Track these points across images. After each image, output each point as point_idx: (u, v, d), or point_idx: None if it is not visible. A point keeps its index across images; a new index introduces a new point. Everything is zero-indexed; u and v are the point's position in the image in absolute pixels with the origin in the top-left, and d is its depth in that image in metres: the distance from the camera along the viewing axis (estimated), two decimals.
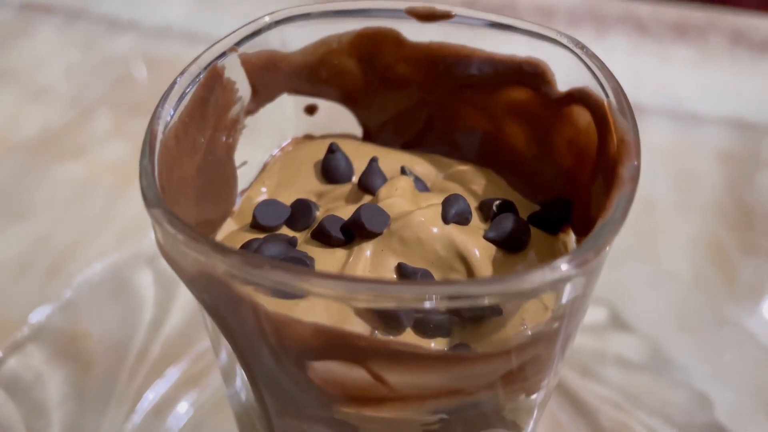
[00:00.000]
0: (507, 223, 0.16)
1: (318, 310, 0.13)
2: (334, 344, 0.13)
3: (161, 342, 0.36)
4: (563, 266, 0.12)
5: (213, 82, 0.17)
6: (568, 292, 0.13)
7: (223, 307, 0.13)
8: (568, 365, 0.36)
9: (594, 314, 0.38)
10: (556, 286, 0.12)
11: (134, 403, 0.34)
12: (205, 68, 0.16)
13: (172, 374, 0.35)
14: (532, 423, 0.16)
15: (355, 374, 0.13)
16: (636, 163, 0.14)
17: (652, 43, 0.60)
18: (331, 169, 0.19)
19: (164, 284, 0.39)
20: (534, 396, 0.15)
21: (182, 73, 0.16)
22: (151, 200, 0.13)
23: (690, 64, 0.58)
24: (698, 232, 0.44)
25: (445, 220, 0.16)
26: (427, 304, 0.11)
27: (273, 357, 0.14)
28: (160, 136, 0.14)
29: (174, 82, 0.16)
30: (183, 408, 0.34)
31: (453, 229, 0.16)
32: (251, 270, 0.12)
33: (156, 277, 0.39)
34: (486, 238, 0.16)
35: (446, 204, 0.17)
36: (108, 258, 0.38)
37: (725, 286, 0.40)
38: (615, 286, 0.38)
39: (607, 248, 0.13)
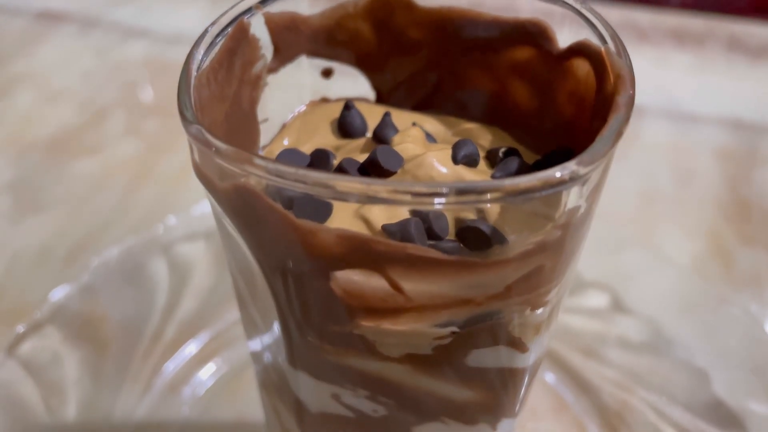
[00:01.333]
0: (512, 164, 0.18)
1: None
2: (356, 250, 0.14)
3: (175, 324, 0.37)
4: (570, 165, 0.13)
5: (240, 35, 0.18)
6: (572, 198, 0.14)
7: (253, 221, 0.15)
8: (571, 346, 0.37)
9: (595, 299, 0.39)
10: (563, 185, 0.13)
11: (149, 381, 0.35)
12: (233, 21, 0.18)
13: (187, 353, 0.36)
14: (536, 344, 0.17)
15: (374, 283, 0.15)
16: (630, 92, 0.15)
17: (650, 49, 0.62)
18: (347, 125, 0.20)
19: (178, 271, 0.40)
20: (539, 311, 0.16)
21: (213, 23, 0.17)
22: (189, 118, 0.14)
23: (688, 68, 0.60)
24: (697, 224, 0.45)
25: (455, 161, 0.18)
26: (438, 201, 0.13)
27: (298, 270, 0.15)
28: (194, 74, 0.16)
29: (205, 31, 0.17)
30: (200, 380, 0.35)
31: (462, 169, 0.17)
32: (283, 174, 0.13)
33: (170, 264, 0.40)
34: (493, 177, 0.18)
35: (456, 147, 0.18)
36: (124, 243, 0.39)
37: (724, 274, 0.41)
38: (616, 272, 0.40)
39: (606, 161, 0.14)
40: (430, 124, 0.21)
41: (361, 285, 0.15)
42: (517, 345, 0.16)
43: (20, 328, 0.34)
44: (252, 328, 0.20)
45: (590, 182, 0.14)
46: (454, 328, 0.15)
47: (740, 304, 0.37)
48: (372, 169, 0.17)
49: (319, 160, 0.19)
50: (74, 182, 0.47)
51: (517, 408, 0.19)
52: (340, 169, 0.18)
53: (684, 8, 0.68)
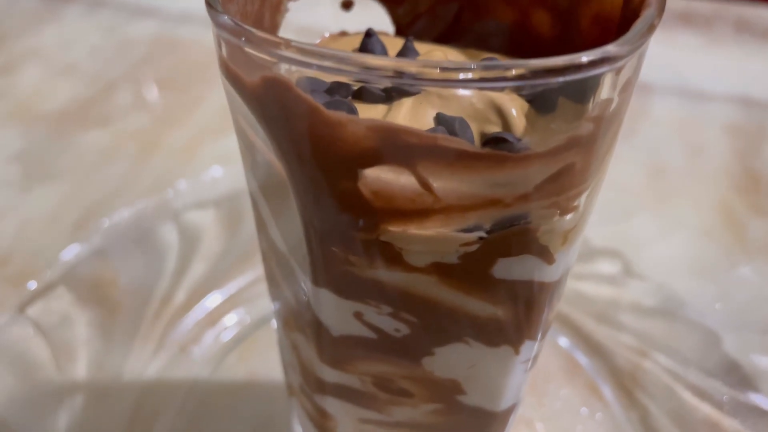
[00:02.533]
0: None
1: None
2: (386, 142, 0.14)
3: (185, 286, 0.37)
4: (609, 48, 0.13)
5: None
6: (605, 90, 0.14)
7: (281, 118, 0.14)
8: (583, 311, 0.37)
9: (607, 265, 0.39)
10: (595, 67, 0.13)
11: (160, 341, 0.35)
12: None
13: (197, 313, 0.36)
14: (563, 256, 0.17)
15: (402, 182, 0.14)
16: None
17: (658, 30, 0.62)
18: (368, 51, 0.20)
19: (187, 237, 0.40)
20: (568, 217, 0.16)
21: None
22: (218, 9, 0.14)
23: (696, 48, 0.60)
24: (707, 196, 0.45)
25: None
26: (464, 77, 0.12)
27: (325, 171, 0.15)
28: None
29: None
30: (210, 340, 0.34)
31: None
32: (315, 54, 0.13)
33: (180, 229, 0.40)
34: (519, 94, 0.17)
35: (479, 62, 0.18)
36: (135, 206, 0.39)
37: (736, 243, 0.41)
38: (626, 238, 0.39)
39: (639, 54, 0.14)
40: (452, 55, 0.21)
41: (389, 184, 0.14)
42: (545, 255, 0.16)
43: (32, 284, 0.34)
44: (272, 254, 0.20)
45: (623, 74, 0.14)
46: (482, 233, 0.15)
47: (751, 265, 0.37)
48: (396, 87, 0.17)
49: (339, 86, 0.19)
50: (83, 153, 0.47)
51: (540, 331, 0.19)
52: (362, 88, 0.17)
53: None
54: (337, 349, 0.19)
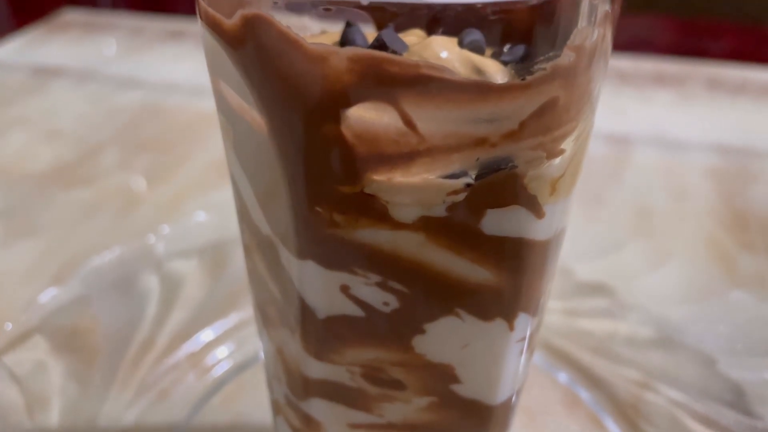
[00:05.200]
0: (519, 50, 0.18)
1: None
2: (369, 72, 0.13)
3: (165, 334, 0.36)
4: None
5: None
6: (582, 19, 0.14)
7: (262, 61, 0.14)
8: (580, 346, 0.36)
9: (599, 299, 0.38)
10: None
11: (139, 385, 0.33)
12: None
13: (176, 359, 0.35)
14: (552, 211, 0.16)
15: (386, 121, 0.14)
16: None
17: (633, 89, 0.64)
18: (348, 42, 0.20)
19: (169, 282, 0.39)
20: (556, 162, 0.15)
21: None
22: None
23: (671, 104, 0.61)
24: (696, 234, 0.45)
25: (461, 46, 0.18)
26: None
27: (308, 117, 0.14)
28: None
29: None
30: (190, 384, 0.33)
31: (468, 53, 0.17)
32: None
33: (161, 275, 0.39)
34: (501, 60, 0.18)
35: (461, 35, 0.18)
36: (115, 251, 0.38)
37: (727, 277, 0.41)
38: (618, 271, 0.39)
39: None
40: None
41: (372, 125, 0.14)
42: (533, 206, 0.16)
43: (8, 326, 0.33)
44: (254, 243, 0.19)
45: (600, 7, 0.14)
46: (468, 180, 0.15)
47: (745, 288, 0.36)
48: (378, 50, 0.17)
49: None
50: (65, 209, 0.46)
51: (533, 303, 0.18)
52: (345, 41, 0.18)
53: (662, 53, 0.71)
54: (323, 335, 0.18)
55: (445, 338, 0.18)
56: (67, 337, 0.35)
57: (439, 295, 0.17)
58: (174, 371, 0.34)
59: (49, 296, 0.35)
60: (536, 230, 0.16)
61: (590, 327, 0.37)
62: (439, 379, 0.19)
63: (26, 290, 0.38)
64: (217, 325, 0.36)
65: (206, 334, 0.36)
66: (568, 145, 0.15)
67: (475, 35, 0.18)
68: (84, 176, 0.50)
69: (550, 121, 0.14)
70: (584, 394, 0.34)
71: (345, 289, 0.17)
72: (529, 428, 0.32)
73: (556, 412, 0.33)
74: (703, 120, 0.58)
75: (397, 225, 0.16)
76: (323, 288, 0.17)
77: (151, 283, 0.38)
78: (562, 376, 0.35)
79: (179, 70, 0.66)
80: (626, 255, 0.40)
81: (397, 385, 0.19)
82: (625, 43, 0.72)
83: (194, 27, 0.76)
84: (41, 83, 0.64)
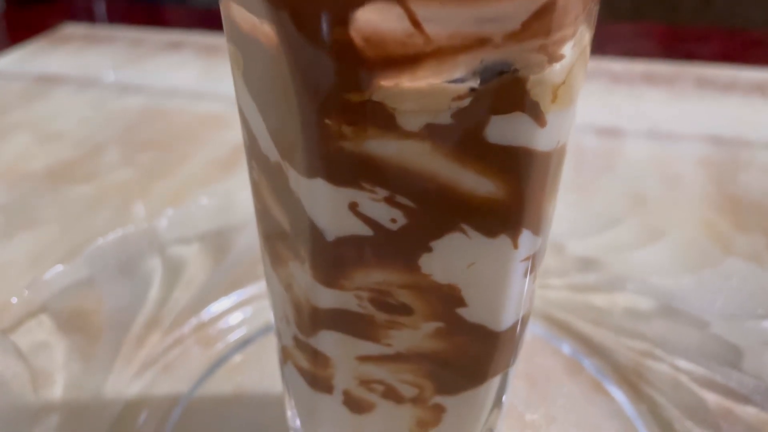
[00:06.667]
0: None
1: None
2: None
3: (170, 312, 0.36)
4: None
5: None
6: None
7: None
8: (581, 318, 0.36)
9: (597, 273, 0.39)
10: None
11: (144, 360, 0.33)
12: None
13: (182, 334, 0.35)
14: (555, 119, 0.17)
15: (393, 22, 0.15)
16: None
17: (625, 88, 0.65)
18: None
19: (173, 263, 0.39)
20: (557, 67, 0.16)
21: None
22: None
23: (662, 101, 0.63)
24: (691, 217, 0.46)
25: None
26: None
27: (318, 18, 0.15)
28: None
29: None
30: (195, 358, 0.33)
31: None
32: None
33: (165, 256, 0.39)
34: None
35: None
36: (118, 233, 0.38)
37: (723, 255, 0.41)
38: (614, 247, 0.39)
39: None
40: None
41: (380, 26, 0.15)
42: (536, 113, 0.16)
43: (14, 300, 0.33)
44: (263, 174, 0.20)
45: None
46: (473, 84, 0.16)
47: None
48: None
49: None
50: (67, 204, 0.47)
51: (537, 220, 0.19)
52: None
53: (652, 56, 0.72)
54: (332, 259, 0.19)
55: (450, 256, 0.18)
56: (71, 317, 0.35)
57: (445, 210, 0.18)
58: (178, 346, 0.34)
59: (54, 273, 0.35)
60: (539, 139, 0.17)
61: (590, 300, 0.37)
62: (446, 302, 0.19)
63: (29, 276, 0.38)
64: (222, 302, 0.36)
65: (211, 311, 0.36)
66: (567, 51, 0.16)
67: None
68: (86, 173, 0.51)
69: (549, 22, 0.15)
70: (587, 362, 0.34)
71: (353, 207, 0.18)
72: (532, 393, 0.32)
73: (559, 380, 0.33)
74: (694, 114, 0.60)
75: (404, 134, 0.16)
76: (332, 207, 0.18)
77: (155, 264, 0.39)
78: (565, 347, 0.35)
79: (179, 77, 0.67)
80: (622, 232, 0.40)
81: (405, 309, 0.19)
82: (615, 49, 0.74)
83: (193, 38, 0.78)
84: (43, 90, 0.64)
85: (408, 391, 0.22)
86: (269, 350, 0.34)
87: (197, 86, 0.65)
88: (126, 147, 0.55)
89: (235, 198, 0.42)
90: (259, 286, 0.38)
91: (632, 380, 0.33)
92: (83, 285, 0.36)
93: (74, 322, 0.35)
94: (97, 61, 0.72)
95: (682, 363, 0.33)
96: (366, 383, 0.22)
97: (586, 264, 0.39)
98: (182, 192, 0.48)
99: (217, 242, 0.40)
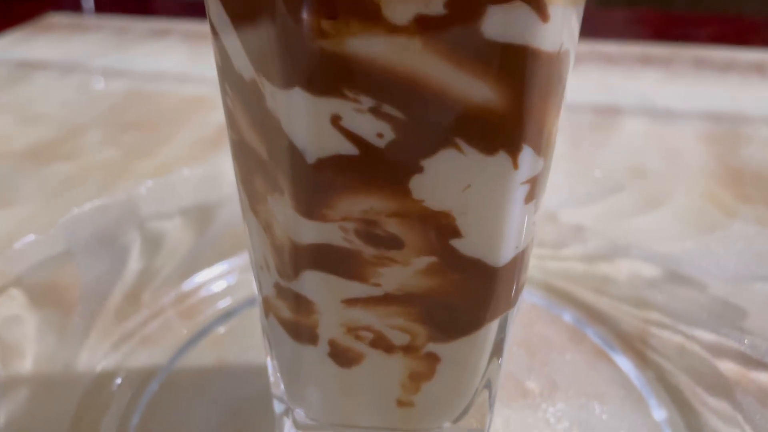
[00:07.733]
0: None
1: None
2: None
3: (149, 285, 0.35)
4: None
5: None
6: None
7: None
8: (582, 287, 0.35)
9: (597, 241, 0.37)
10: None
11: (120, 333, 0.32)
12: None
13: (160, 308, 0.33)
14: (557, 16, 0.15)
15: None
16: None
17: (621, 69, 0.64)
18: None
19: (153, 235, 0.37)
20: None
21: None
22: None
23: (659, 81, 0.61)
24: (693, 189, 0.44)
25: None
26: None
27: None
28: None
29: None
30: (174, 331, 0.32)
31: None
32: None
33: (145, 229, 0.37)
34: None
35: None
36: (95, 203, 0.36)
37: (726, 224, 0.40)
38: (615, 215, 0.38)
39: None
40: None
41: None
42: (538, 5, 0.15)
43: None
44: (237, 98, 0.18)
45: None
46: None
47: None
48: None
49: None
50: (47, 181, 0.45)
51: (539, 138, 0.17)
52: None
53: (647, 39, 0.71)
54: (314, 185, 0.17)
55: (444, 178, 0.17)
56: (46, 290, 0.33)
57: (438, 122, 0.16)
58: (158, 318, 0.33)
59: (25, 243, 0.33)
60: (541, 37, 0.15)
61: (591, 269, 0.36)
62: (439, 232, 0.18)
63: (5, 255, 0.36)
64: (204, 273, 0.35)
65: (194, 282, 0.34)
66: None
67: None
68: (67, 153, 0.49)
69: None
70: (589, 331, 0.32)
71: (336, 120, 0.16)
72: (533, 362, 0.30)
73: (561, 348, 0.31)
74: (692, 93, 0.58)
75: (392, 29, 0.15)
76: (313, 122, 0.16)
77: (134, 236, 0.37)
78: (567, 316, 0.33)
79: (165, 62, 0.66)
80: (623, 199, 0.39)
81: (394, 242, 0.18)
82: (611, 33, 0.72)
83: (179, 26, 0.76)
84: (26, 74, 0.63)
85: (399, 338, 0.20)
86: (254, 322, 0.32)
87: (183, 69, 0.63)
88: (110, 128, 0.53)
89: (219, 169, 0.40)
90: (245, 257, 0.36)
91: (638, 347, 0.31)
92: (58, 257, 0.34)
93: (48, 296, 0.33)
94: (82, 47, 0.70)
95: (689, 329, 0.31)
96: (353, 330, 0.20)
97: (586, 232, 0.37)
98: (166, 170, 0.46)
99: (200, 214, 0.38)
